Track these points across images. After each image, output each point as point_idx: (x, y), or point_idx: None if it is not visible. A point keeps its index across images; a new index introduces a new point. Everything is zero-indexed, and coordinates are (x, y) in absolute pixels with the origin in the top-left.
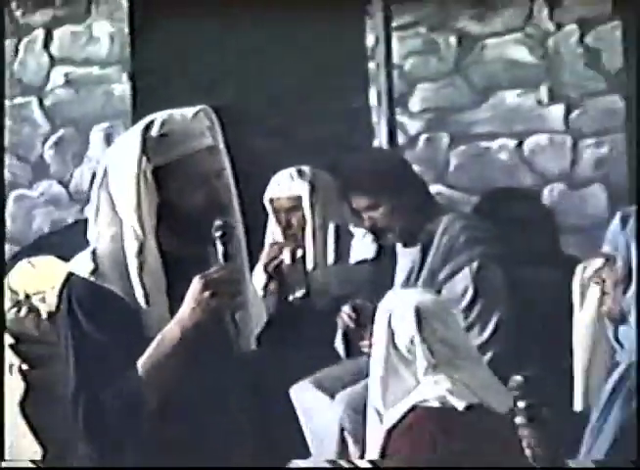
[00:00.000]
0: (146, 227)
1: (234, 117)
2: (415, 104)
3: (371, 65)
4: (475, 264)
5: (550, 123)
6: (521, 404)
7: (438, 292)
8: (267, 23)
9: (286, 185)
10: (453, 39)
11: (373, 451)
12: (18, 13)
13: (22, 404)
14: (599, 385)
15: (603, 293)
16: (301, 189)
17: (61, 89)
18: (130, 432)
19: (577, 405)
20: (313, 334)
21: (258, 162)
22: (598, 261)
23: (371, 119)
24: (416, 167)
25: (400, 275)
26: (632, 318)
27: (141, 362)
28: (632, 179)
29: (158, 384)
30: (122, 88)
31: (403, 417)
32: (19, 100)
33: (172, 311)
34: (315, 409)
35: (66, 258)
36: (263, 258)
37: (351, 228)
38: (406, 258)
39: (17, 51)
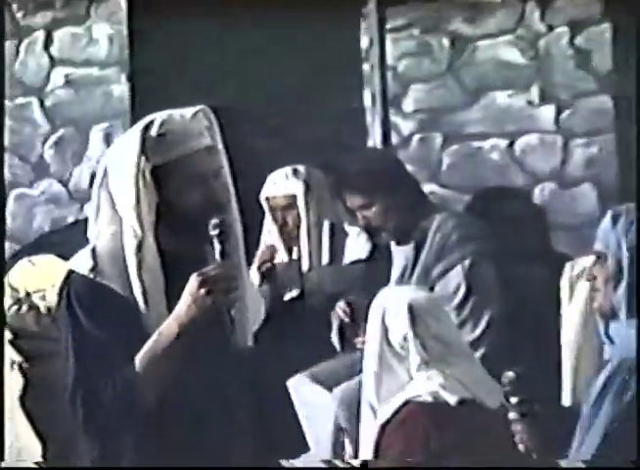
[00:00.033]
0: (145, 225)
1: (232, 118)
2: (408, 104)
3: (365, 66)
4: (467, 262)
5: (541, 124)
6: (513, 400)
7: (431, 289)
8: (263, 25)
9: (281, 184)
10: (446, 41)
11: (367, 446)
12: (19, 15)
13: (23, 400)
14: (588, 380)
15: (594, 289)
16: (296, 188)
17: (61, 90)
18: (128, 427)
19: (566, 400)
20: (308, 331)
21: (256, 161)
22: (586, 259)
23: (365, 120)
24: (409, 167)
25: (394, 273)
26: (622, 315)
27: (139, 358)
28: (622, 178)
29: (155, 380)
30: (121, 89)
31: (397, 412)
32: (19, 100)
33: (170, 308)
34: (313, 402)
35: (66, 257)
36: (257, 259)
37: (346, 227)
38: (400, 255)
39: (17, 52)
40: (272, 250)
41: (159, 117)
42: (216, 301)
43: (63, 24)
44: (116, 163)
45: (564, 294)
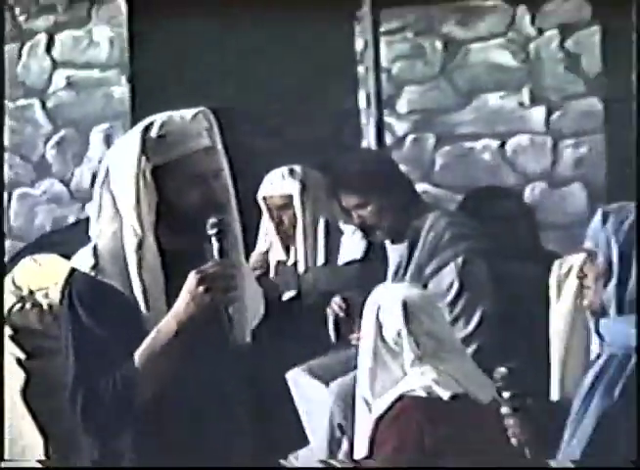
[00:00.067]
0: (145, 224)
1: (231, 118)
2: (402, 106)
3: (360, 68)
4: (460, 260)
5: (531, 125)
6: (505, 395)
7: (425, 286)
8: (260, 28)
9: (278, 184)
10: (439, 44)
11: (362, 440)
12: (21, 18)
13: (25, 397)
14: (576, 375)
15: (584, 287)
16: (292, 188)
17: (62, 91)
18: (127, 424)
19: (554, 395)
20: (305, 328)
21: (254, 161)
22: (574, 257)
23: (360, 121)
24: (403, 167)
25: (389, 271)
26: (612, 311)
27: (137, 355)
28: (610, 178)
29: (153, 377)
30: (121, 90)
31: (391, 407)
32: (22, 102)
33: (170, 307)
34: (311, 396)
35: (68, 257)
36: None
37: (341, 225)
38: (394, 254)
39: (20, 55)
40: (265, 257)
41: (159, 118)
42: (214, 298)
43: (64, 28)
44: (118, 163)
45: (552, 291)
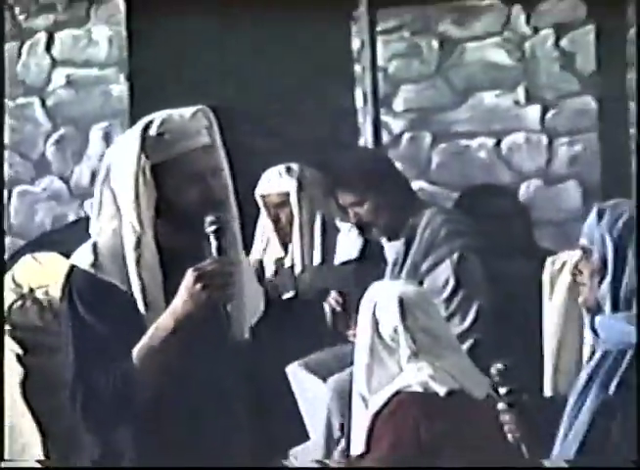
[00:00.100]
0: (144, 222)
1: (229, 117)
2: (399, 104)
3: (357, 67)
4: (455, 256)
5: (527, 123)
6: (501, 391)
7: (421, 283)
8: (259, 27)
9: (275, 182)
10: (435, 43)
11: (359, 436)
12: (21, 17)
13: (24, 394)
14: (569, 371)
15: (580, 284)
16: (289, 186)
17: (61, 90)
18: (126, 421)
19: (547, 391)
20: (303, 325)
21: (252, 159)
22: (567, 254)
23: (357, 119)
24: (399, 165)
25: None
26: (607, 308)
27: (135, 351)
28: (605, 176)
29: (151, 373)
30: (120, 89)
31: (387, 402)
32: (21, 100)
33: (168, 304)
34: (309, 391)
35: (68, 255)
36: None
37: (337, 223)
38: (391, 251)
39: (20, 53)
40: (259, 264)
41: (158, 116)
42: (212, 296)
43: (64, 27)
44: (118, 160)
45: (545, 287)
